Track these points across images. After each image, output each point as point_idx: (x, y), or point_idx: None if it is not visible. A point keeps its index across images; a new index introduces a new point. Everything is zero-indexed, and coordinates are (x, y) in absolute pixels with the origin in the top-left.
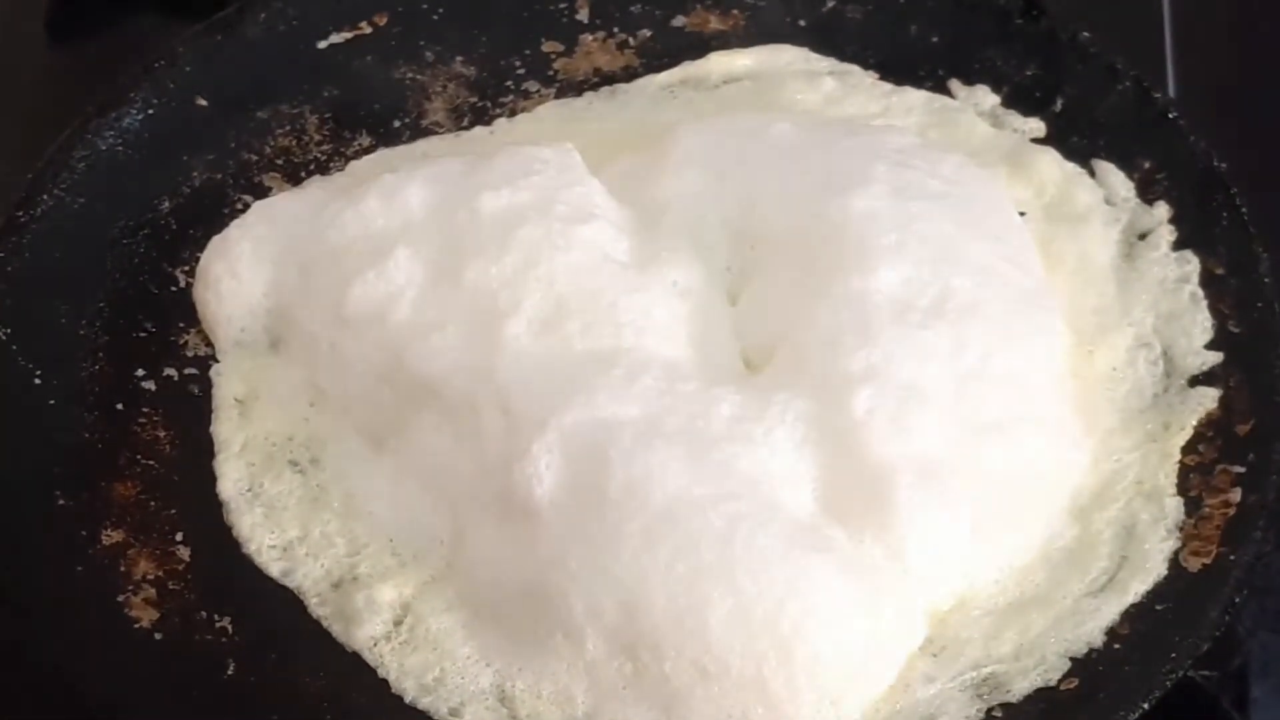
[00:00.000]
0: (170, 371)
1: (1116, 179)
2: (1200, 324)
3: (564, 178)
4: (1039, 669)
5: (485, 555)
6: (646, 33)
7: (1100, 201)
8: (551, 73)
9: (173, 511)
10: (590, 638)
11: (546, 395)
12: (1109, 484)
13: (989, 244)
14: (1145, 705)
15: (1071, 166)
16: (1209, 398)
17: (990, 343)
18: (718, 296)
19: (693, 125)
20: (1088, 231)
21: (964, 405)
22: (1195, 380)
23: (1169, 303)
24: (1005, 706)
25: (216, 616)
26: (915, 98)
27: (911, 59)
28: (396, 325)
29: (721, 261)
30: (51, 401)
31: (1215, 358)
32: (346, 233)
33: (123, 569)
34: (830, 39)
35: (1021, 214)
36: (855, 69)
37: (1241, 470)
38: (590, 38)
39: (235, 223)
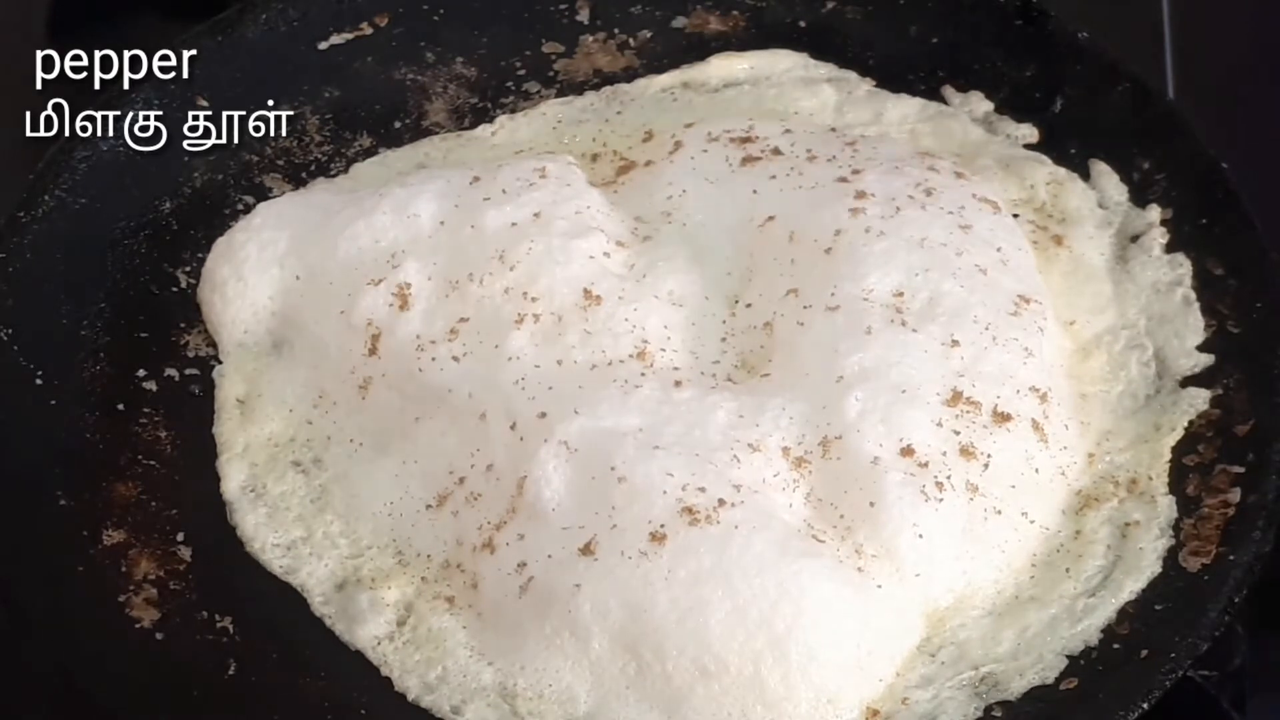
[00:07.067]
0: (171, 372)
1: (1110, 182)
2: (1192, 326)
3: (563, 192)
4: (1037, 668)
5: (489, 556)
6: (647, 34)
7: (1093, 205)
8: (552, 73)
9: (174, 512)
10: (596, 637)
11: (551, 405)
12: (1102, 483)
13: (980, 247)
14: (1145, 705)
15: (1064, 171)
16: (1201, 399)
17: (981, 344)
18: (716, 302)
19: (692, 132)
20: (1081, 234)
21: (956, 406)
22: (1187, 381)
23: (1161, 305)
24: (1004, 705)
25: (218, 616)
26: (910, 104)
27: (911, 60)
28: (404, 335)
29: (722, 266)
30: (53, 402)
31: (1207, 359)
32: (358, 243)
33: (124, 569)
34: (830, 40)
35: (1015, 216)
36: (853, 75)
37: (1241, 470)
38: (590, 39)
39: (240, 224)
